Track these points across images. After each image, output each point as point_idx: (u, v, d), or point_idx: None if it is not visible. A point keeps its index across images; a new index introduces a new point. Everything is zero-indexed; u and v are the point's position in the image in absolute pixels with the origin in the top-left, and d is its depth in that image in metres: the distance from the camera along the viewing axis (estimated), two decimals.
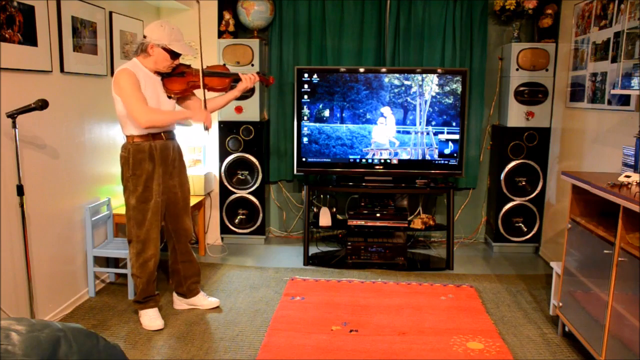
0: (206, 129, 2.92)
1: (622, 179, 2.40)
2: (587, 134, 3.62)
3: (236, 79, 3.06)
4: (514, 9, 4.21)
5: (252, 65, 4.26)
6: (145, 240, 2.90)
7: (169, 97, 2.96)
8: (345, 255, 4.16)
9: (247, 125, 4.36)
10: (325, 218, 4.26)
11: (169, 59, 2.83)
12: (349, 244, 4.11)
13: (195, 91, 3.07)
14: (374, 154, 4.13)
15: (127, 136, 2.89)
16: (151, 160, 2.86)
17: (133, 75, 2.76)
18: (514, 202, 4.37)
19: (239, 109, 4.36)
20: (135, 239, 2.91)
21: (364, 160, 4.13)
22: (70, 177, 3.21)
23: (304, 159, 4.16)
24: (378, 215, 4.10)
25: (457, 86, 4.01)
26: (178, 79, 2.94)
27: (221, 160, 4.43)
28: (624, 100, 3.06)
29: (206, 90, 2.99)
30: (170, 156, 2.96)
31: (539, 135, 4.28)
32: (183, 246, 3.15)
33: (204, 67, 2.95)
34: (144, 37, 2.82)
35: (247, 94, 4.29)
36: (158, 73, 2.90)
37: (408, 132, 4.09)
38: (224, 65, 3.14)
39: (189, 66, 3.02)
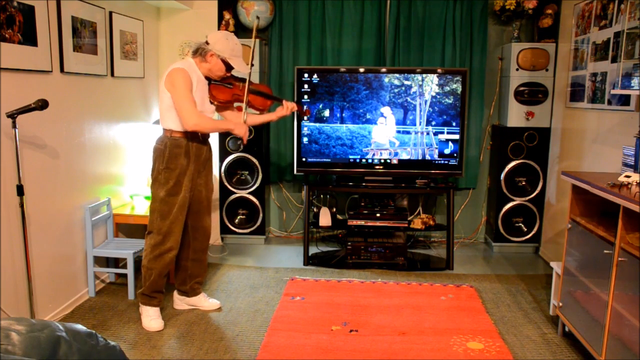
0: (243, 143, 3.07)
1: (622, 179, 2.40)
2: (587, 134, 3.62)
3: (277, 103, 3.25)
4: (514, 9, 4.21)
5: (252, 65, 4.25)
6: (166, 233, 2.93)
7: (211, 103, 3.05)
8: (345, 255, 4.16)
9: None
10: (325, 218, 4.26)
11: (223, 70, 2.96)
12: (349, 244, 4.11)
13: (242, 105, 3.14)
14: (374, 154, 4.13)
15: (165, 129, 2.95)
16: (186, 156, 2.93)
17: (188, 76, 2.84)
18: (514, 202, 4.37)
19: (239, 109, 4.34)
20: (157, 231, 2.94)
21: (364, 160, 4.13)
22: (70, 177, 3.21)
23: (304, 159, 4.16)
24: (378, 215, 4.10)
25: (457, 86, 4.01)
26: (225, 89, 3.05)
27: (221, 160, 4.43)
28: (624, 100, 3.06)
29: (247, 107, 3.11)
30: (203, 156, 3.04)
31: (539, 135, 4.28)
32: (199, 244, 3.18)
33: (251, 84, 3.09)
34: (207, 43, 2.90)
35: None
36: (207, 77, 2.99)
37: (408, 132, 4.09)
38: (267, 86, 3.29)
39: (237, 79, 3.12)
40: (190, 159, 2.94)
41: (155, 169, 2.95)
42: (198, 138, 2.97)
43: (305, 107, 3.70)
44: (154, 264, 2.95)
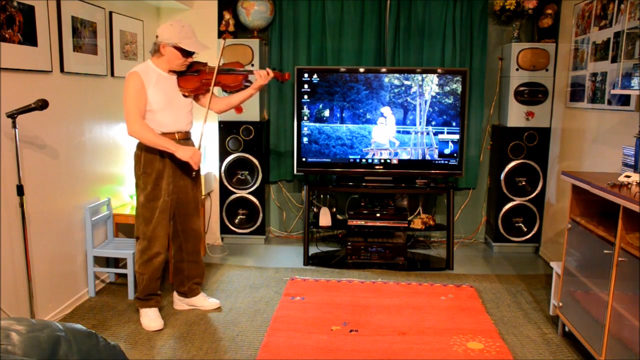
0: (192, 169, 2.90)
1: (622, 179, 2.40)
2: (587, 134, 3.62)
3: (250, 76, 3.06)
4: (514, 9, 4.21)
5: (252, 65, 4.26)
6: (151, 237, 2.92)
7: (185, 96, 2.98)
8: (345, 255, 4.16)
9: (247, 125, 4.36)
10: (325, 218, 4.26)
11: (180, 57, 2.85)
12: (349, 244, 4.11)
13: (207, 95, 3.05)
14: (374, 154, 4.13)
15: None
16: (162, 159, 2.89)
17: (139, 80, 2.78)
18: (514, 202, 4.37)
19: (239, 109, 4.34)
20: (142, 236, 2.93)
21: (364, 160, 4.13)
22: (70, 177, 3.21)
23: (304, 159, 4.16)
24: (378, 215, 4.10)
25: (457, 86, 4.01)
26: (192, 77, 2.96)
27: (221, 160, 4.43)
28: (624, 100, 3.06)
29: (220, 89, 3.02)
30: None
31: (539, 135, 4.28)
32: (191, 246, 3.16)
33: (220, 64, 2.96)
34: (157, 37, 2.85)
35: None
36: (175, 72, 2.93)
37: (408, 132, 4.09)
38: (238, 62, 3.14)
39: (205, 64, 3.04)
40: (166, 161, 2.89)
41: (135, 174, 2.93)
42: (174, 138, 2.90)
43: (283, 71, 3.33)
44: (145, 269, 2.95)
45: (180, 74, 2.95)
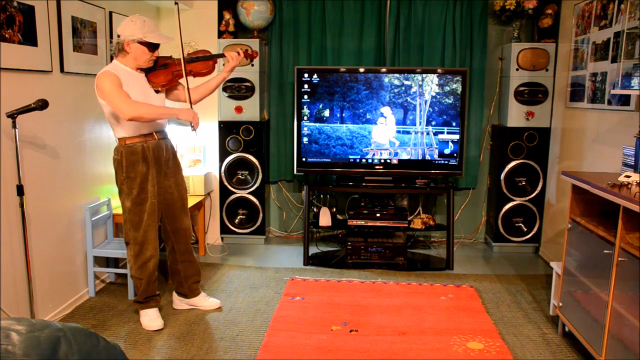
0: (193, 128, 2.87)
1: (622, 179, 2.40)
2: (587, 134, 3.62)
3: (220, 58, 3.07)
4: (514, 9, 4.21)
5: (252, 65, 4.27)
6: (142, 242, 2.90)
7: (157, 92, 2.94)
8: (345, 255, 4.16)
9: (247, 125, 4.36)
10: (325, 218, 4.26)
11: (147, 52, 2.81)
12: (349, 244, 4.11)
13: (182, 81, 3.01)
14: (374, 154, 4.13)
15: (118, 139, 2.88)
16: (144, 161, 2.85)
17: (113, 75, 2.72)
18: (514, 202, 4.37)
19: (239, 109, 4.36)
20: (133, 241, 2.92)
21: (364, 160, 4.13)
22: (70, 177, 3.21)
23: (304, 159, 4.16)
24: (378, 215, 4.10)
25: (457, 86, 4.01)
26: (162, 71, 2.93)
27: (221, 160, 4.43)
28: (624, 100, 3.06)
29: (193, 77, 2.99)
30: (164, 156, 2.94)
31: (539, 135, 4.28)
32: (182, 246, 3.15)
33: (186, 54, 2.94)
34: (118, 36, 2.80)
35: (247, 94, 4.31)
36: (142, 70, 2.88)
37: (408, 132, 4.09)
38: (204, 50, 3.14)
39: (170, 57, 3.00)
40: (149, 163, 2.86)
41: (117, 180, 2.90)
42: (153, 138, 2.88)
43: (250, 49, 3.26)
44: (140, 273, 2.94)
45: (148, 71, 2.90)
